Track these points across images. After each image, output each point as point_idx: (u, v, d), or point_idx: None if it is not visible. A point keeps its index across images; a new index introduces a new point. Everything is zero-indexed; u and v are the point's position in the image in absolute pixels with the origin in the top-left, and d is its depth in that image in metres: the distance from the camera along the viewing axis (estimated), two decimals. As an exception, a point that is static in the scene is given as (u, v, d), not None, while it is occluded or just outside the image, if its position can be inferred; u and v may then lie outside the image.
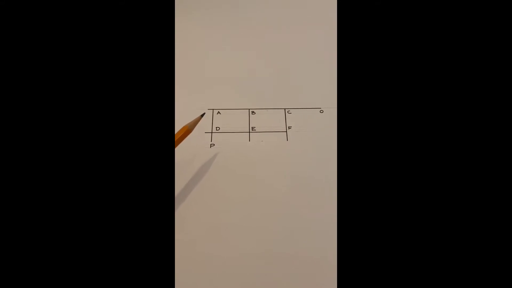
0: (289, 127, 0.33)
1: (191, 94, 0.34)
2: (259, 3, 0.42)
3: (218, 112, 0.33)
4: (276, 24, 0.41)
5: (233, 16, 0.41)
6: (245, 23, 0.41)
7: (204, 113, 0.30)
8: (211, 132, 0.32)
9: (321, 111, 0.34)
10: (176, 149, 0.29)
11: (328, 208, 0.28)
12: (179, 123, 0.32)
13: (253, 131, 0.32)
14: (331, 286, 0.24)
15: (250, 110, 0.34)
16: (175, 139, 0.27)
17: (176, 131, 0.28)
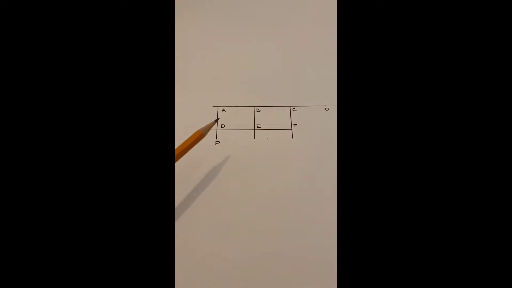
0: (294, 125, 0.33)
1: (197, 92, 0.34)
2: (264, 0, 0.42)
3: (223, 110, 0.33)
4: (280, 21, 0.40)
5: (238, 13, 0.41)
6: (249, 21, 0.41)
7: (218, 118, 0.30)
8: (216, 130, 0.32)
9: (326, 109, 0.33)
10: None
11: (333, 206, 0.28)
12: (185, 122, 0.32)
13: (258, 128, 0.32)
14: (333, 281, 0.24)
15: (255, 108, 0.34)
16: (188, 144, 0.27)
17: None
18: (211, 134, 0.32)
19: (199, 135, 0.28)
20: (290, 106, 0.34)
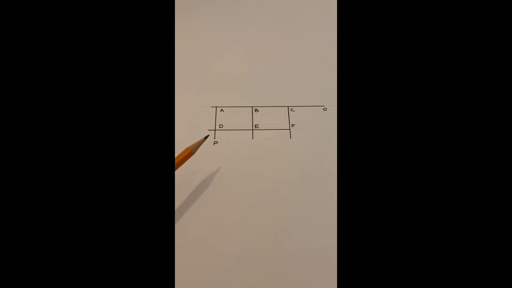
0: (293, 125, 0.33)
1: (195, 92, 0.34)
2: (262, 1, 0.42)
3: (222, 110, 0.33)
4: (279, 21, 0.41)
5: (236, 14, 0.41)
6: (248, 21, 0.41)
7: (208, 135, 0.29)
8: (214, 130, 0.32)
9: (324, 109, 0.34)
10: (179, 147, 0.29)
11: (331, 205, 0.28)
12: (183, 121, 0.32)
13: (256, 128, 0.32)
14: (333, 279, 0.25)
15: (254, 108, 0.34)
16: (177, 161, 0.27)
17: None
18: (209, 134, 0.32)
19: (188, 153, 0.28)
20: (288, 106, 0.34)
